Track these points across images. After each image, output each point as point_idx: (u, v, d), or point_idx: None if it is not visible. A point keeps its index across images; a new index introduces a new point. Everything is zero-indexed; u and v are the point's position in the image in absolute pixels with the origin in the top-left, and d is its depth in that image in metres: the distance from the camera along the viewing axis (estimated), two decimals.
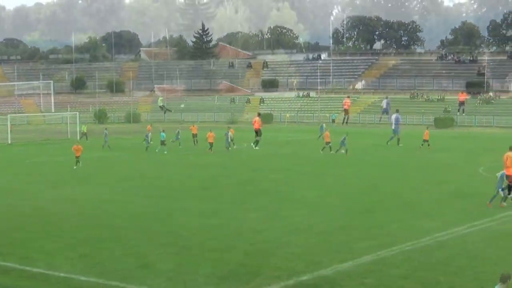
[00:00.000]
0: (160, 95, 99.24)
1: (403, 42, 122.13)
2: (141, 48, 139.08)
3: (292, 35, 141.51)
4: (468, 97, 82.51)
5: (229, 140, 51.44)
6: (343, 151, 47.39)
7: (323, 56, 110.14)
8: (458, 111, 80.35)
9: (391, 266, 18.25)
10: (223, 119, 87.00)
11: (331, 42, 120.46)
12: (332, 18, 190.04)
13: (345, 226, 23.53)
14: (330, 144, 48.51)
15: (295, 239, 21.54)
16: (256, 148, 51.63)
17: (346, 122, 75.78)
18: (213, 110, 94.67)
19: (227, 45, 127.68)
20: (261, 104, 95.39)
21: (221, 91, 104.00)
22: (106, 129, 56.38)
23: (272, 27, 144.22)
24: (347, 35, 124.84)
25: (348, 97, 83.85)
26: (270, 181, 35.37)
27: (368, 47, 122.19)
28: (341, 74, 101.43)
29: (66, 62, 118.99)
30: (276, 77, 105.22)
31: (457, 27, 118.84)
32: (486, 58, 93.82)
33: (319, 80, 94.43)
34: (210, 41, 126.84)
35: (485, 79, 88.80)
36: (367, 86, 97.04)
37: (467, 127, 76.58)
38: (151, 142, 52.60)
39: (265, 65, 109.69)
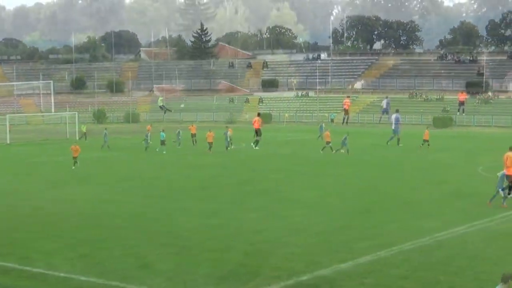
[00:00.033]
0: (159, 95, 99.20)
1: (402, 42, 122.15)
2: (141, 48, 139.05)
3: (291, 34, 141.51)
4: (467, 96, 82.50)
5: (228, 139, 51.46)
6: (342, 150, 47.40)
7: (323, 56, 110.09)
8: (458, 111, 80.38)
9: (391, 266, 18.26)
10: (222, 119, 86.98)
11: (330, 42, 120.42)
12: (332, 18, 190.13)
13: (344, 226, 23.54)
14: (330, 144, 48.50)
15: (295, 239, 21.54)
16: (256, 148, 51.62)
17: (346, 122, 75.77)
18: (212, 110, 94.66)
19: (227, 45, 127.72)
20: (260, 104, 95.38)
21: (220, 91, 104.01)
22: (106, 129, 56.35)
23: (271, 27, 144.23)
24: (346, 34, 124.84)
25: (348, 97, 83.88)
26: (270, 181, 35.37)
27: (368, 47, 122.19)
28: (341, 74, 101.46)
29: (66, 62, 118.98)
30: (276, 77, 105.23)
31: (456, 27, 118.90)
32: (485, 58, 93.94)
33: (318, 80, 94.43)
34: (209, 41, 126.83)
35: (484, 79, 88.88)
36: (367, 86, 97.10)
37: (466, 127, 76.62)
38: (150, 142, 52.57)
39: (265, 65, 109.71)
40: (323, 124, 61.34)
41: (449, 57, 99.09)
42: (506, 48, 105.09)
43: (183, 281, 17.12)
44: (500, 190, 26.86)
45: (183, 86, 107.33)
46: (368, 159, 45.23)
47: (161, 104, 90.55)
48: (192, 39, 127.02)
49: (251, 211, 26.43)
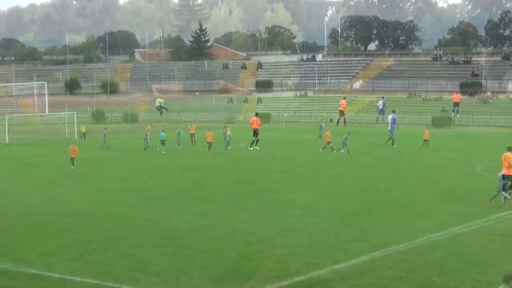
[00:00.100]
0: (158, 95, 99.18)
1: (400, 42, 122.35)
2: (135, 49, 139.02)
3: (289, 34, 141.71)
4: (461, 97, 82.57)
5: (227, 139, 51.48)
6: (343, 150, 47.41)
7: (318, 57, 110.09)
8: (453, 111, 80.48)
9: (386, 267, 18.27)
10: (220, 119, 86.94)
11: (325, 43, 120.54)
12: (326, 19, 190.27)
13: (339, 227, 23.54)
14: (331, 144, 48.52)
15: (290, 240, 21.55)
16: (257, 148, 51.48)
17: (344, 123, 75.75)
18: (211, 110, 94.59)
19: (222, 46, 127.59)
20: (259, 104, 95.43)
21: (219, 90, 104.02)
22: (105, 129, 56.15)
23: (269, 26, 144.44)
24: (344, 34, 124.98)
25: (344, 98, 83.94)
26: (267, 181, 35.30)
27: (363, 48, 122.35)
28: (336, 75, 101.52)
29: (61, 63, 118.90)
30: (270, 78, 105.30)
31: (454, 26, 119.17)
32: (484, 58, 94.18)
33: (317, 81, 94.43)
34: (208, 41, 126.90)
35: (482, 80, 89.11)
36: (365, 86, 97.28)
37: (465, 127, 76.70)
38: (149, 142, 52.48)
39: (259, 66, 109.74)
40: (323, 124, 61.46)
41: (444, 58, 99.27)
42: (505, 48, 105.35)
43: (177, 282, 17.14)
44: (503, 192, 26.83)
45: (181, 86, 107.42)
46: (366, 159, 45.02)
47: (159, 105, 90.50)
48: (191, 39, 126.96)
49: (247, 211, 26.42)
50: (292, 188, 32.51)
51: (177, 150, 51.99)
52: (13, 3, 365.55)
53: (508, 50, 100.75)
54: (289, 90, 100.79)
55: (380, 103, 77.94)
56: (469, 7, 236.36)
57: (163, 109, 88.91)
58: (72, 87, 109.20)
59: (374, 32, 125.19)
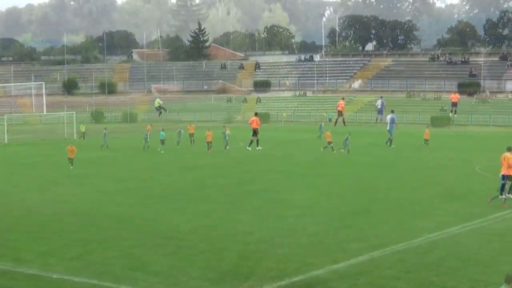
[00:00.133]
0: (157, 95, 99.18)
1: (399, 41, 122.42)
2: (133, 50, 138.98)
3: (288, 34, 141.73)
4: (460, 97, 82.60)
5: (227, 138, 51.51)
6: (342, 150, 47.44)
7: (316, 57, 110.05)
8: (451, 112, 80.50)
9: (384, 267, 18.33)
10: (219, 119, 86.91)
11: (323, 43, 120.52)
12: (324, 19, 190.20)
13: (338, 226, 23.58)
14: (331, 144, 48.54)
15: (289, 240, 21.59)
16: (260, 148, 51.45)
17: (344, 123, 75.72)
18: (210, 110, 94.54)
19: (220, 46, 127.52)
20: (258, 104, 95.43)
21: (217, 90, 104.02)
22: (105, 129, 56.06)
23: (268, 26, 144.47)
24: (343, 34, 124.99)
25: (343, 98, 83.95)
26: (267, 181, 35.32)
27: (361, 48, 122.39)
28: (334, 75, 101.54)
29: (59, 63, 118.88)
30: (268, 78, 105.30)
31: (453, 26, 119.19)
32: (482, 58, 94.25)
33: (315, 81, 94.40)
34: (207, 41, 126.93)
35: (480, 80, 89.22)
36: (364, 86, 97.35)
37: (464, 126, 76.66)
38: (149, 141, 52.43)
39: (257, 66, 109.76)
40: (323, 124, 61.51)
41: (442, 58, 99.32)
42: (504, 47, 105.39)
43: (177, 282, 17.18)
44: (502, 193, 26.85)
45: (180, 86, 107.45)
46: (365, 159, 44.91)
47: (158, 105, 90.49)
48: (190, 39, 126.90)
49: (246, 211, 26.46)
50: (291, 188, 32.54)
51: (176, 150, 51.98)
52: (10, 4, 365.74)
53: (507, 50, 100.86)
54: (287, 90, 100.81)
55: (379, 102, 77.90)
56: (467, 7, 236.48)
57: (162, 110, 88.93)
58: (70, 87, 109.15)
59: (373, 32, 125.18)
